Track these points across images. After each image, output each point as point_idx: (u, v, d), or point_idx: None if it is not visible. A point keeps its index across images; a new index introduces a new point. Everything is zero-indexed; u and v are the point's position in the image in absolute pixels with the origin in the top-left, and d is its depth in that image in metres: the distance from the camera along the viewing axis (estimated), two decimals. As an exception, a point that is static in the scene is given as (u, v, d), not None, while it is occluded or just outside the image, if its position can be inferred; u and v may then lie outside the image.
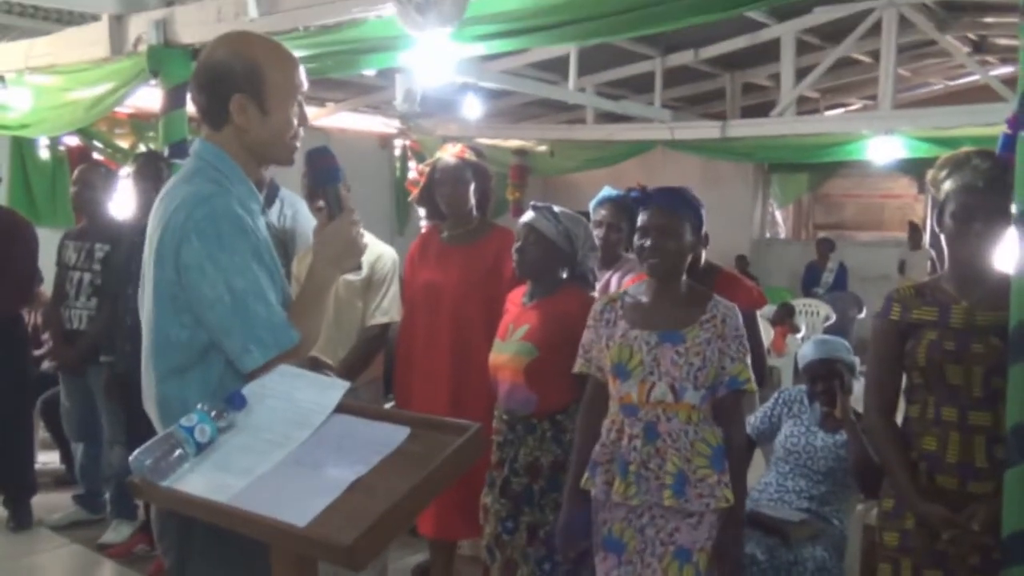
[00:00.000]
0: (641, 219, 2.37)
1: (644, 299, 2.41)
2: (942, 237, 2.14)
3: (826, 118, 9.32)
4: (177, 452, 1.48)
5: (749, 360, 2.35)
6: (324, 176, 1.79)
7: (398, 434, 1.39)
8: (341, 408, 1.49)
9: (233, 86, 1.69)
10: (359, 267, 1.85)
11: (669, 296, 2.37)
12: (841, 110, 10.37)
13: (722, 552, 2.28)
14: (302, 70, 1.78)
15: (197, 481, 1.43)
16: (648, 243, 2.33)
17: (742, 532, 2.37)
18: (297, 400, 1.52)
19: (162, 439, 1.49)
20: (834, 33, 7.31)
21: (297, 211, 3.58)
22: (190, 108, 4.51)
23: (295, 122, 1.77)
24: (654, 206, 2.36)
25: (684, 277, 2.40)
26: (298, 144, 1.80)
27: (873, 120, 7.30)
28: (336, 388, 1.52)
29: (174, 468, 1.46)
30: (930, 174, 2.16)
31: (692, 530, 2.27)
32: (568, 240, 2.73)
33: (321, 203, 1.79)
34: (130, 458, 1.47)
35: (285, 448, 1.44)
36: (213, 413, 1.54)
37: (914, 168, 9.12)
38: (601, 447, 2.37)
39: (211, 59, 1.72)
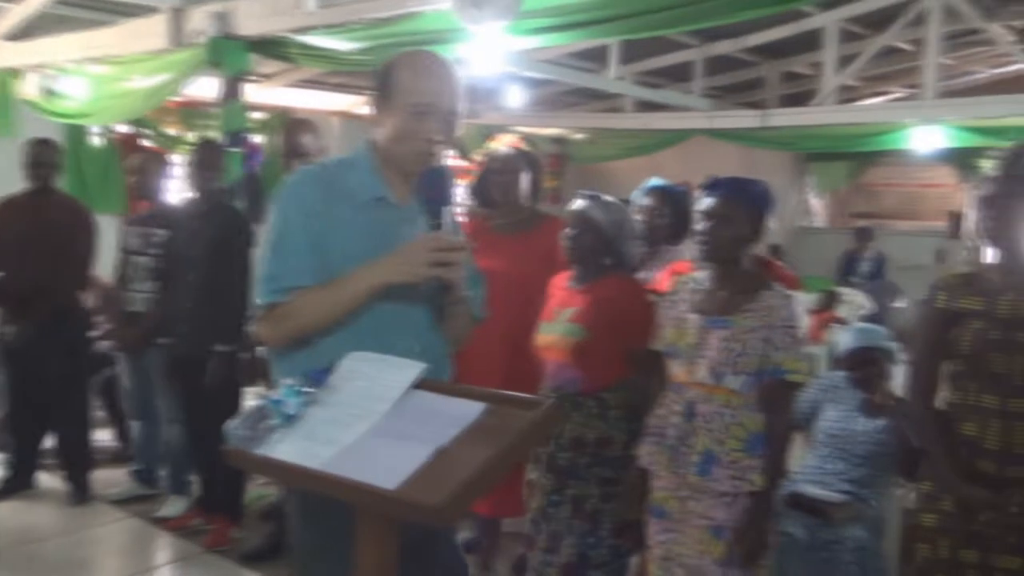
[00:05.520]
0: (703, 205, 2.48)
1: (706, 284, 2.52)
2: (989, 227, 2.16)
3: (868, 107, 9.24)
4: (267, 423, 1.60)
5: (802, 351, 2.42)
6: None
7: (475, 408, 1.50)
8: (420, 385, 1.60)
9: None
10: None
11: (726, 283, 2.47)
12: (883, 99, 10.27)
13: (741, 533, 2.36)
14: None
15: (288, 449, 1.54)
16: (702, 228, 2.45)
17: (767, 517, 2.40)
18: (377, 378, 1.63)
19: (253, 411, 1.62)
20: (878, 21, 7.27)
21: None
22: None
23: None
24: (716, 194, 2.47)
25: (743, 265, 2.48)
26: None
27: (916, 109, 7.23)
28: (414, 367, 1.63)
29: (265, 437, 1.58)
30: (981, 164, 2.22)
31: (727, 508, 2.38)
32: (617, 228, 2.84)
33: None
34: (226, 429, 1.60)
35: (367, 420, 1.54)
36: (298, 388, 1.66)
37: (955, 157, 8.98)
38: (652, 420, 2.51)
39: None
